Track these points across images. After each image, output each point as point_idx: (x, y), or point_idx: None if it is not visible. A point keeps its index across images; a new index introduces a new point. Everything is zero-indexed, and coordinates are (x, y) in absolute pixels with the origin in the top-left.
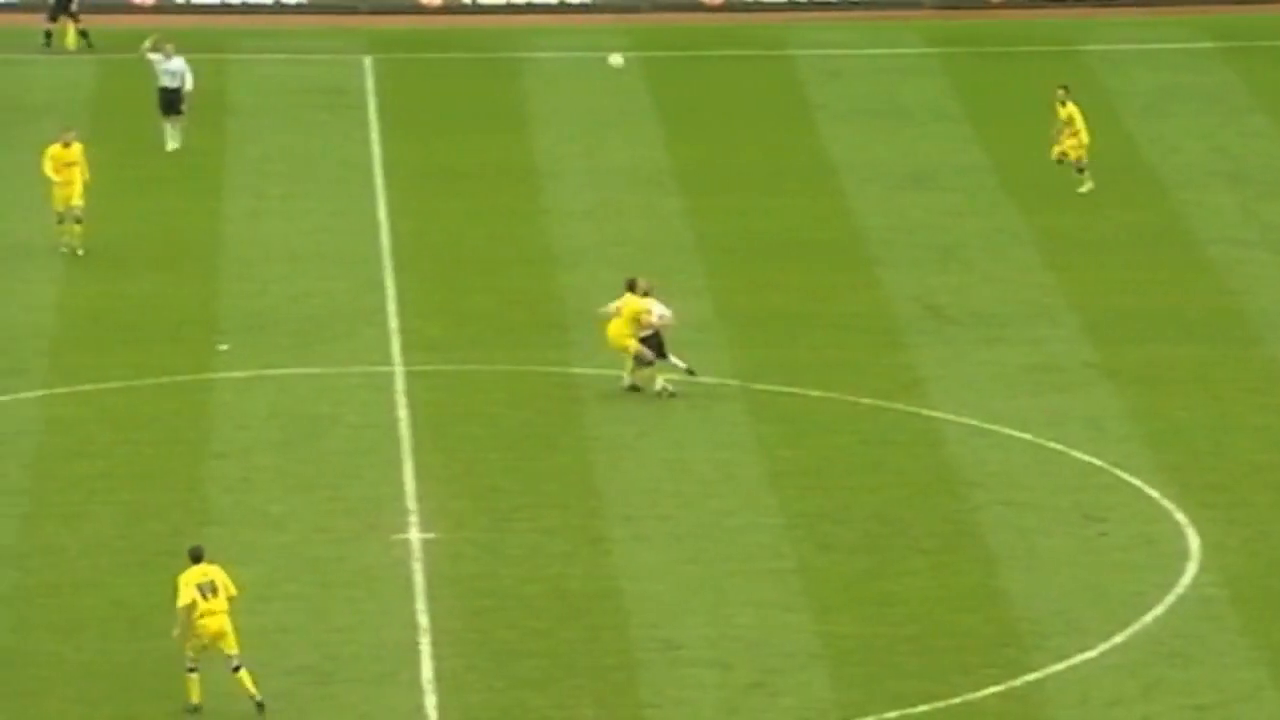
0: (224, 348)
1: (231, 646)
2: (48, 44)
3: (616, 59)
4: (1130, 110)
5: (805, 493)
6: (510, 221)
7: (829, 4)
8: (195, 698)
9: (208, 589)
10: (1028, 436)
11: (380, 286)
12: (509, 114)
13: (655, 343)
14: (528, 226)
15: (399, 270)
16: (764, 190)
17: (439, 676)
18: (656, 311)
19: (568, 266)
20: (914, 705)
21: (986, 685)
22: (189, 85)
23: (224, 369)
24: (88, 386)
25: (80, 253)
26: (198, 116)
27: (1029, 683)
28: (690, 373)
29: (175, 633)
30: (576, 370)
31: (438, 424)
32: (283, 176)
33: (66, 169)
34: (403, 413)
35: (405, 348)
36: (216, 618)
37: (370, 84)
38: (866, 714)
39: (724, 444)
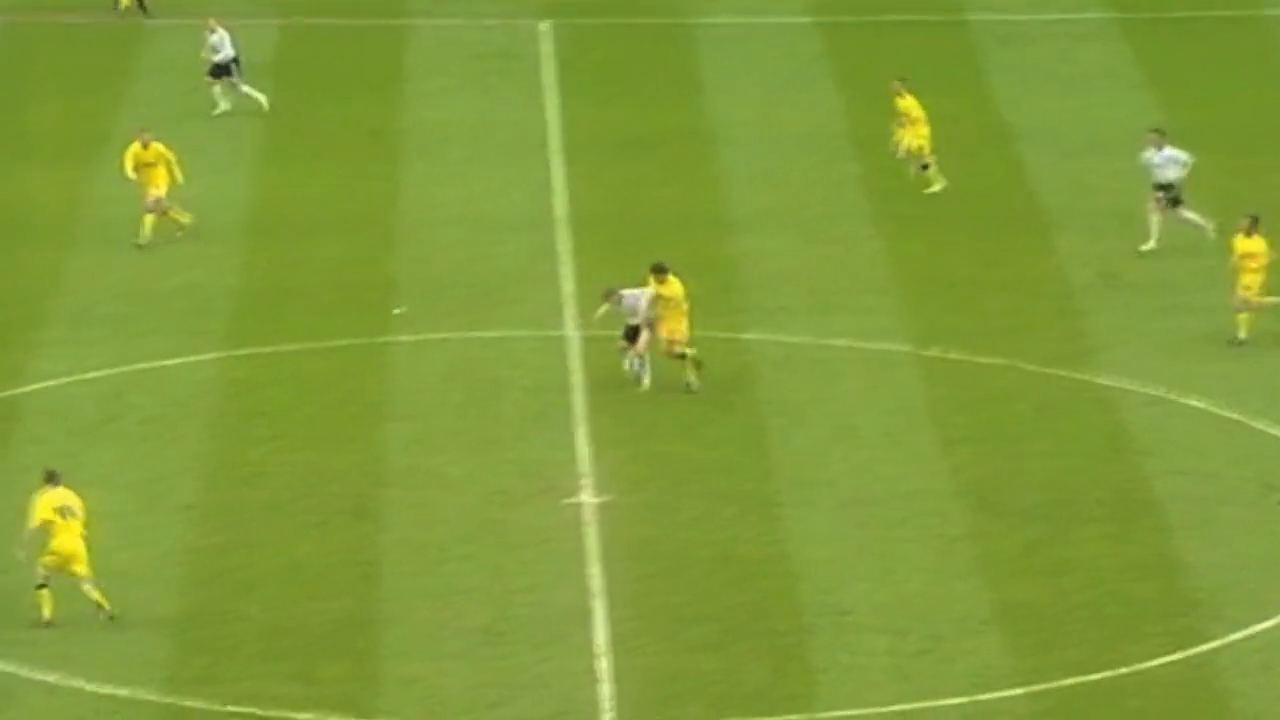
0: (400, 311)
1: (84, 568)
2: (116, 6)
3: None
4: None
5: (977, 459)
6: (685, 187)
7: None
8: (48, 612)
9: (67, 512)
10: (1204, 405)
11: (554, 251)
12: (684, 79)
13: (632, 333)
14: (702, 192)
15: (573, 235)
16: (939, 155)
17: (611, 639)
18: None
19: (742, 232)
20: (1088, 673)
21: (1161, 654)
22: (227, 54)
23: (400, 332)
24: (267, 349)
25: (140, 244)
26: (375, 84)
27: (1204, 652)
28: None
29: (21, 555)
30: (749, 335)
31: (611, 388)
32: (459, 142)
33: (146, 169)
34: (576, 377)
35: (580, 313)
36: (73, 540)
37: (546, 49)
38: (1039, 681)
39: (895, 410)
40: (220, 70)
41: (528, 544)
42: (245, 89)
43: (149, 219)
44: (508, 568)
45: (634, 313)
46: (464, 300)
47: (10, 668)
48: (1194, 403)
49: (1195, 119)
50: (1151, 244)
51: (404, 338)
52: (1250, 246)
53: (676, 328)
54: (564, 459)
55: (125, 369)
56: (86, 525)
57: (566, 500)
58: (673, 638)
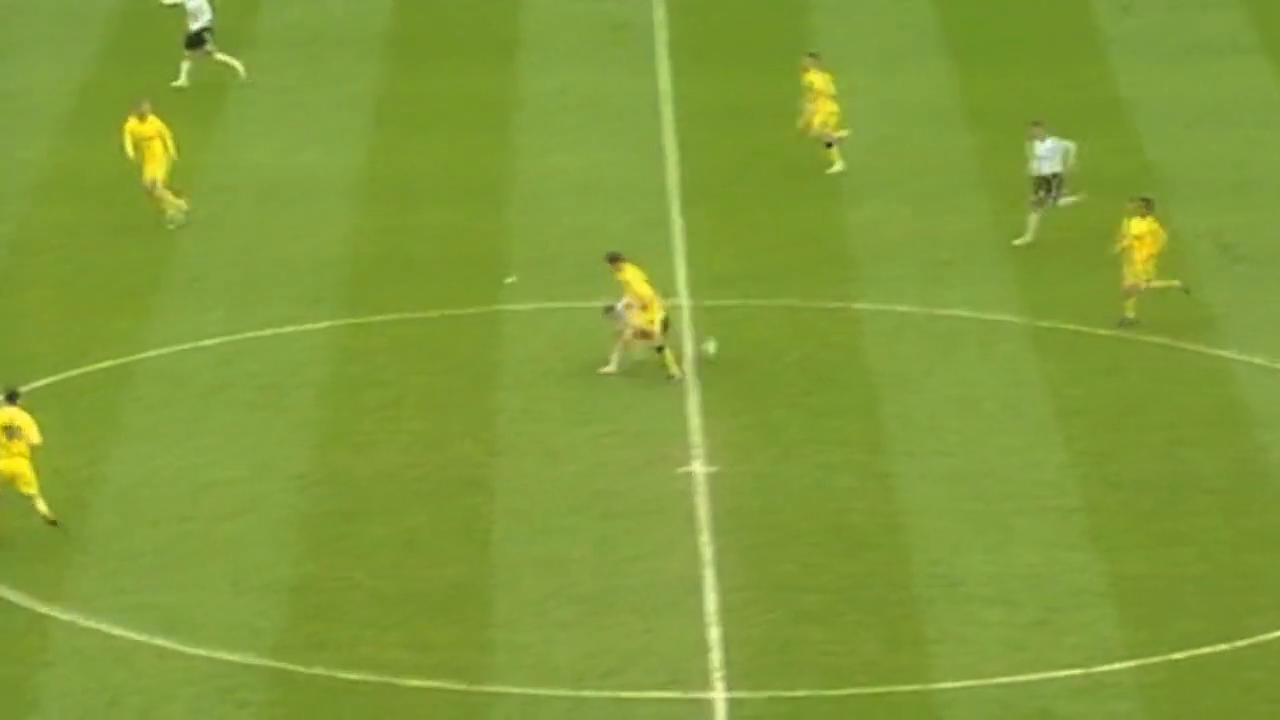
0: (512, 280)
1: (29, 486)
2: None
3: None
4: None
5: (1091, 431)
6: (797, 156)
7: None
8: None
9: (13, 432)
10: None
11: (666, 221)
12: (797, 48)
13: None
14: (815, 161)
15: (685, 204)
16: (1054, 125)
17: (721, 608)
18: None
19: (854, 202)
20: (1201, 646)
21: (1277, 627)
22: (204, 21)
23: (511, 302)
24: (379, 317)
25: (171, 227)
26: (489, 53)
27: None
28: (612, 371)
29: None
30: (861, 305)
31: (722, 357)
32: (571, 111)
33: (146, 144)
34: (687, 346)
35: (691, 282)
36: (15, 460)
37: (659, 18)
38: (1153, 654)
39: (1009, 381)
40: (196, 40)
41: (637, 513)
42: (220, 57)
43: (170, 198)
44: (617, 537)
45: (619, 318)
46: (575, 270)
47: (125, 632)
48: None
49: None
50: (1028, 238)
51: (515, 307)
52: (1143, 229)
53: (641, 321)
54: (674, 429)
55: (238, 336)
56: (35, 446)
57: (677, 469)
58: (783, 608)
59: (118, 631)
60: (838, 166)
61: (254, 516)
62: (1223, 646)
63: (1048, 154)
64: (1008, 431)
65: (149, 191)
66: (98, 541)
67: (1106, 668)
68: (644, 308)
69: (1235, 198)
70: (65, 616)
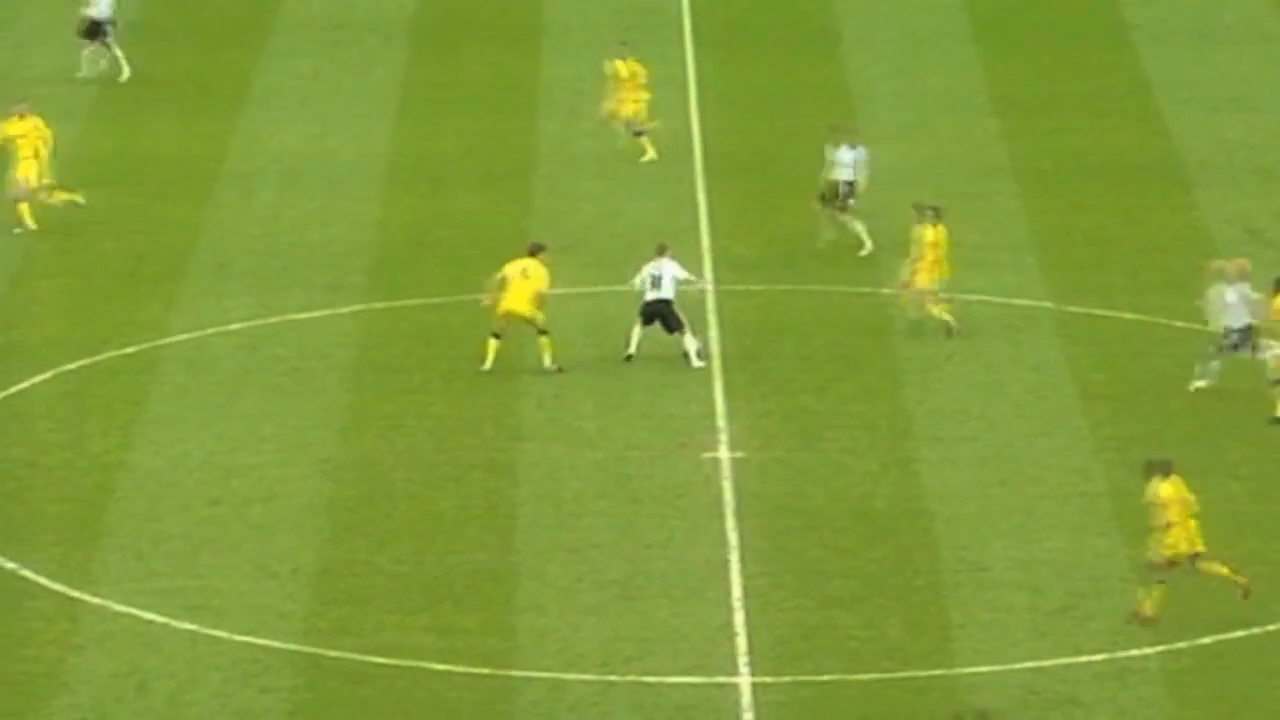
0: None
1: None
2: None
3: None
4: None
5: (1116, 416)
6: (822, 142)
7: None
8: None
9: None
10: None
11: (692, 206)
12: (822, 34)
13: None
14: None
15: (711, 190)
16: (1080, 112)
17: (746, 594)
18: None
19: (880, 188)
20: (1229, 631)
21: None
22: (104, 11)
23: None
24: (405, 302)
25: (17, 231)
26: (515, 38)
27: None
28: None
29: None
30: (887, 291)
31: (747, 343)
32: (596, 96)
33: (19, 143)
34: (713, 331)
35: (716, 267)
36: None
37: (684, 3)
38: (1180, 639)
39: (1035, 366)
40: (95, 30)
41: (662, 499)
42: (117, 51)
43: (57, 196)
44: (642, 522)
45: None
46: (602, 254)
47: (153, 616)
48: None
49: None
50: (824, 239)
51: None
52: (932, 236)
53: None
54: (699, 414)
55: (264, 322)
56: None
57: (703, 455)
58: (809, 593)
59: (146, 616)
60: (650, 155)
61: (280, 501)
62: (1250, 631)
63: (846, 161)
64: (1033, 416)
65: (23, 198)
66: (126, 526)
67: (1132, 653)
68: None
69: (1260, 183)
70: (95, 601)
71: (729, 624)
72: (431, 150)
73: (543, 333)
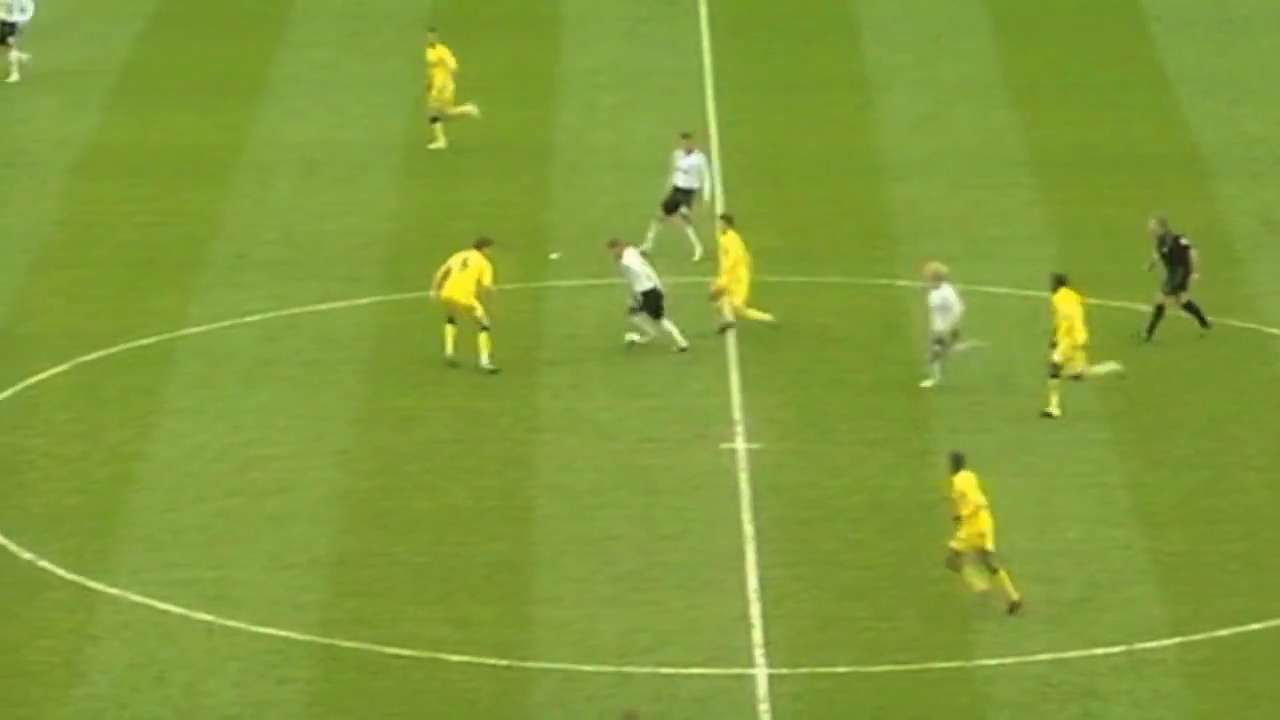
0: (556, 256)
1: None
2: None
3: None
4: None
5: (1134, 407)
6: (840, 132)
7: None
8: None
9: None
10: None
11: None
12: (840, 24)
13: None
14: (857, 137)
15: (727, 181)
16: (1098, 102)
17: (763, 585)
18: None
19: (897, 178)
20: (1245, 623)
21: None
22: (24, 16)
23: (555, 277)
24: (421, 294)
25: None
26: (531, 29)
27: None
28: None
29: None
30: (903, 282)
31: (764, 334)
32: (613, 87)
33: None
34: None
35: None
36: None
37: None
38: (1196, 631)
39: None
40: (8, 31)
41: (679, 490)
42: (13, 55)
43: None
44: (659, 514)
45: None
46: None
47: (170, 607)
48: None
49: None
50: (648, 246)
51: (559, 283)
52: (726, 244)
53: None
54: (716, 406)
55: (282, 313)
56: None
57: (720, 446)
58: (824, 584)
59: (164, 606)
60: (439, 144)
61: (297, 493)
62: (1267, 624)
63: (688, 168)
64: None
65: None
66: (143, 517)
67: (1150, 645)
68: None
69: (1278, 175)
70: (112, 591)
71: (745, 615)
72: (448, 141)
73: (484, 329)
